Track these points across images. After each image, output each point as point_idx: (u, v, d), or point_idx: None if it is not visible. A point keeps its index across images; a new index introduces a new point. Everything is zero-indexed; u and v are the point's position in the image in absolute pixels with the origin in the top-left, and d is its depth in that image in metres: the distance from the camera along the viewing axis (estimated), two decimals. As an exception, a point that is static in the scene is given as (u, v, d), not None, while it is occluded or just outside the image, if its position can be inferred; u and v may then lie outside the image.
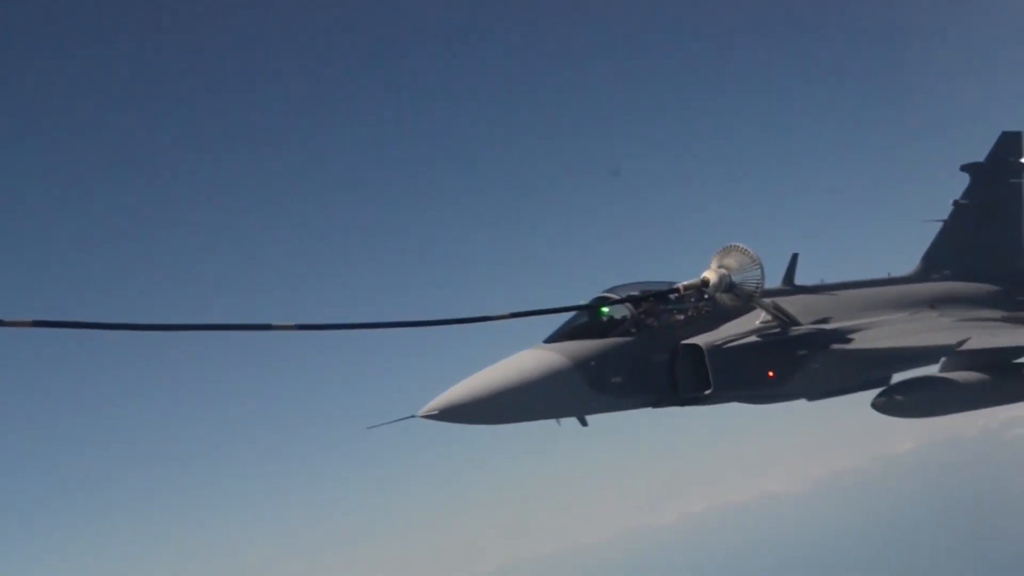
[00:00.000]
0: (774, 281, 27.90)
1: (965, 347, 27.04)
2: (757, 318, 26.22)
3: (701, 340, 25.20)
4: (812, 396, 28.01)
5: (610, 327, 24.72)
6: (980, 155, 34.88)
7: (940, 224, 34.24)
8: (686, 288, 25.16)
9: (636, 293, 25.16)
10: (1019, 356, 28.20)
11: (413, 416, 22.87)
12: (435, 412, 22.30)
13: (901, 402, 26.83)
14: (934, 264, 33.63)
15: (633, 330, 24.74)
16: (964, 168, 34.64)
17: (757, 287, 25.20)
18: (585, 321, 24.83)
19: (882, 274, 32.26)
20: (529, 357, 23.57)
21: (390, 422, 24.64)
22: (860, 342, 27.40)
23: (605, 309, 24.97)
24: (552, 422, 24.53)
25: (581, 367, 23.64)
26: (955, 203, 34.38)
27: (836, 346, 27.11)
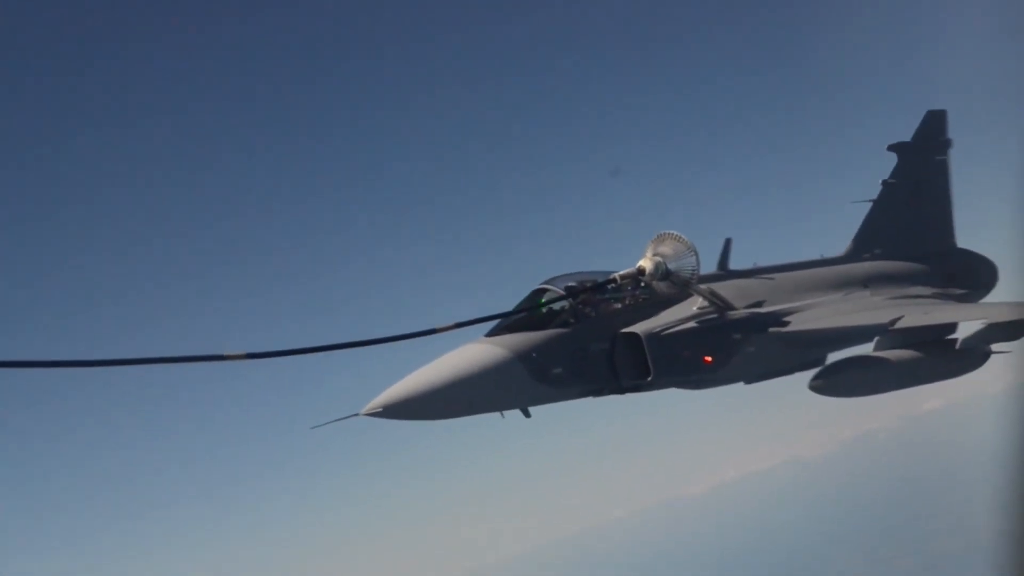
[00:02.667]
0: (709, 267, 28.24)
1: (898, 325, 27.50)
2: (694, 304, 26.45)
3: (639, 328, 25.40)
4: (750, 379, 28.31)
5: (549, 319, 24.87)
6: (907, 134, 35.31)
7: (869, 204, 34.60)
8: (623, 277, 25.46)
9: (573, 284, 25.34)
10: (951, 332, 28.74)
11: (356, 415, 22.89)
12: (379, 410, 22.29)
13: (837, 382, 27.33)
14: (865, 244, 33.99)
15: (572, 321, 24.89)
16: (891, 148, 34.92)
17: (693, 273, 25.56)
18: (525, 314, 25.00)
19: (814, 256, 32.58)
20: (471, 351, 23.64)
21: (334, 421, 24.51)
22: (795, 324, 27.76)
23: (544, 300, 25.15)
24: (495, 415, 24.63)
25: (523, 359, 23.76)
26: (884, 183, 34.73)
27: (772, 329, 27.45)
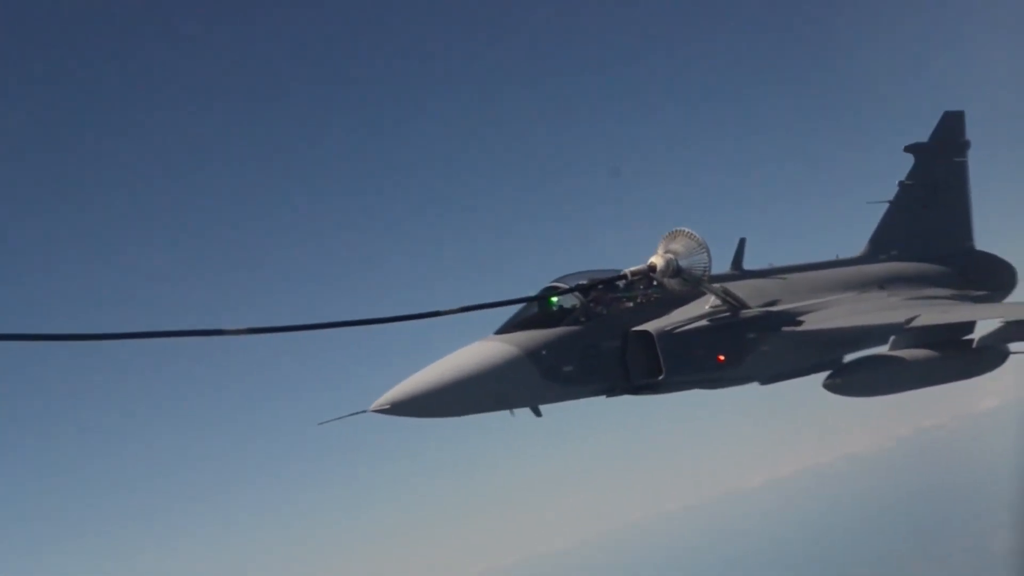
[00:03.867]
0: (723, 266, 28.05)
1: (914, 324, 27.16)
2: (706, 303, 26.23)
3: (651, 326, 25.19)
4: (764, 379, 28.09)
5: (560, 316, 24.69)
6: (924, 135, 35.03)
7: (886, 205, 34.26)
8: (633, 274, 25.29)
9: (584, 282, 25.15)
10: (967, 332, 28.44)
11: (364, 411, 22.79)
12: (387, 406, 22.20)
13: (852, 382, 27.05)
14: (882, 245, 33.65)
15: (583, 319, 24.72)
16: (908, 149, 34.64)
17: (705, 271, 25.35)
18: (535, 312, 24.82)
19: (830, 257, 32.27)
20: (480, 349, 23.52)
21: (341, 417, 24.41)
22: (810, 324, 27.49)
23: (555, 299, 25.00)
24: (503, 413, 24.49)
25: (533, 357, 23.61)
26: (901, 184, 34.44)
27: (786, 328, 27.19)
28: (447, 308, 20.11)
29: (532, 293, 25.27)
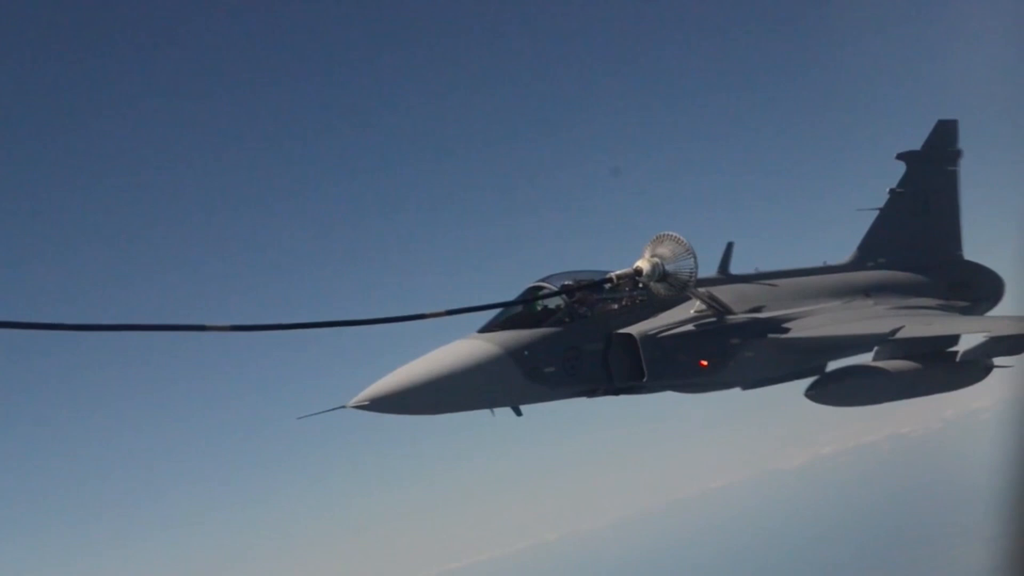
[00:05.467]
0: (710, 270, 28.00)
1: (899, 335, 27.18)
2: (691, 307, 26.19)
3: (635, 330, 25.17)
4: (746, 385, 28.13)
5: (544, 317, 24.68)
6: (916, 143, 34.95)
7: (876, 213, 34.19)
8: (619, 277, 25.18)
9: (569, 282, 25.06)
10: (951, 345, 28.37)
11: (343, 407, 22.69)
12: (366, 403, 22.17)
13: (834, 391, 27.06)
14: (870, 253, 33.60)
15: (567, 320, 24.71)
16: (900, 156, 34.57)
17: (691, 276, 25.26)
18: (519, 311, 24.75)
19: (818, 263, 32.28)
20: (463, 347, 23.47)
21: (320, 412, 24.28)
22: (794, 331, 27.51)
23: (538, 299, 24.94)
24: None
25: (515, 357, 23.58)
26: (891, 191, 34.36)
27: (770, 335, 27.19)
28: (432, 311, 19.87)
29: (518, 290, 25.24)
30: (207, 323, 14.14)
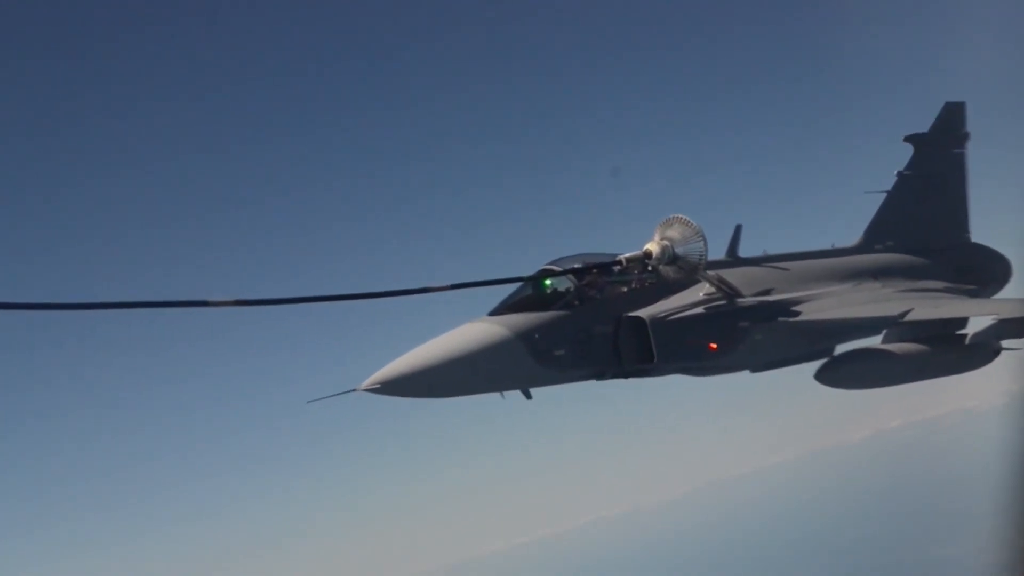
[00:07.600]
0: (718, 253, 27.97)
1: (908, 318, 27.22)
2: (701, 290, 26.17)
3: (644, 313, 25.14)
4: (755, 368, 28.06)
5: (553, 300, 24.65)
6: (924, 126, 34.85)
7: (883, 195, 34.19)
8: (629, 260, 25.16)
9: (579, 265, 25.04)
10: (960, 327, 28.47)
11: (354, 390, 22.66)
12: (377, 386, 22.15)
13: (844, 374, 27.09)
14: (877, 236, 33.57)
15: (576, 303, 24.68)
16: (908, 139, 34.52)
17: (700, 259, 25.24)
18: (528, 294, 24.75)
19: (826, 246, 32.25)
20: (473, 330, 23.48)
21: (331, 396, 24.25)
22: (803, 314, 27.47)
23: (548, 282, 24.91)
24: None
25: (525, 340, 23.58)
26: (899, 174, 34.35)
27: (779, 318, 27.15)
28: (438, 285, 19.76)
29: (524, 274, 25.11)
30: (210, 299, 14.03)
